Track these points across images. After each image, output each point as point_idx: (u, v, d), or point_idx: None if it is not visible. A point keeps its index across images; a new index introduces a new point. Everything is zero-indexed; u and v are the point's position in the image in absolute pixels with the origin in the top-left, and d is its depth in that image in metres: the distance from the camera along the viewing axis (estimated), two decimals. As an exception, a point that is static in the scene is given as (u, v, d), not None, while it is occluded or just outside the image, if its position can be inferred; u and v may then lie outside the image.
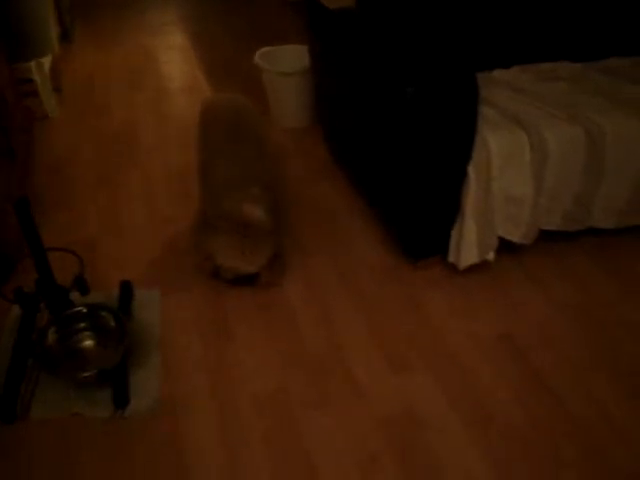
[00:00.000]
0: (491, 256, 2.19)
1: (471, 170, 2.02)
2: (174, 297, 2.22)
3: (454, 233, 2.16)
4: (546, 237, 2.31)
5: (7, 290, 2.09)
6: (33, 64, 3.22)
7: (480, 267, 2.23)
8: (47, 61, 3.37)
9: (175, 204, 2.70)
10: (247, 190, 2.13)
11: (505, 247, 2.26)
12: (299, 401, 1.85)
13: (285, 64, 3.13)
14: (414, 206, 2.15)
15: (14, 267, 2.30)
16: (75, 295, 2.03)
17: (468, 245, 2.12)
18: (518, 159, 2.06)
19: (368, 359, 1.99)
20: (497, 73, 2.51)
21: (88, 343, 1.97)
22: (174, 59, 4.17)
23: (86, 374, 1.84)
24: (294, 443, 1.74)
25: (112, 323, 1.95)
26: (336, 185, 2.79)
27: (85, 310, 1.97)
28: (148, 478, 1.67)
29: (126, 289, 2.18)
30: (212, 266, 2.18)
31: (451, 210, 2.12)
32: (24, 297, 1.99)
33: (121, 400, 1.82)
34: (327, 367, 1.96)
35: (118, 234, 2.53)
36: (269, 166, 2.33)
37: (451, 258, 2.21)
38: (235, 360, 1.99)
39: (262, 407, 1.84)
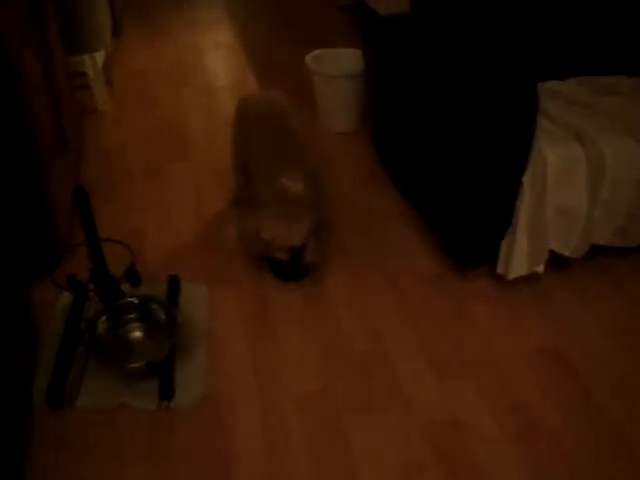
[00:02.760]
0: (541, 269, 2.17)
1: (526, 181, 2.01)
2: (220, 292, 2.23)
3: (505, 243, 2.14)
4: (595, 252, 2.28)
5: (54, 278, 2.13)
6: (87, 58, 3.27)
7: (528, 279, 2.21)
8: (100, 55, 3.42)
9: (222, 199, 2.72)
10: (290, 170, 2.22)
11: (553, 260, 2.23)
12: (343, 404, 1.85)
13: (336, 67, 3.14)
14: (467, 215, 2.14)
15: (61, 256, 2.33)
16: (124, 286, 2.06)
17: (518, 256, 2.10)
18: (574, 172, 2.04)
19: (412, 365, 1.98)
20: (552, 84, 2.48)
21: (137, 334, 1.99)
22: (223, 57, 4.20)
23: (135, 365, 1.86)
24: (337, 446, 1.74)
25: (162, 316, 1.97)
26: (383, 190, 2.78)
27: (136, 301, 2.00)
28: (190, 471, 1.68)
29: (173, 283, 2.20)
30: (261, 246, 2.20)
31: (503, 220, 2.10)
32: (77, 285, 2.01)
33: (167, 392, 1.84)
34: (371, 371, 1.96)
35: (166, 227, 2.56)
36: (306, 156, 2.39)
37: (500, 269, 2.19)
38: (280, 359, 1.99)
39: (306, 408, 1.84)
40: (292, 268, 2.25)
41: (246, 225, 2.26)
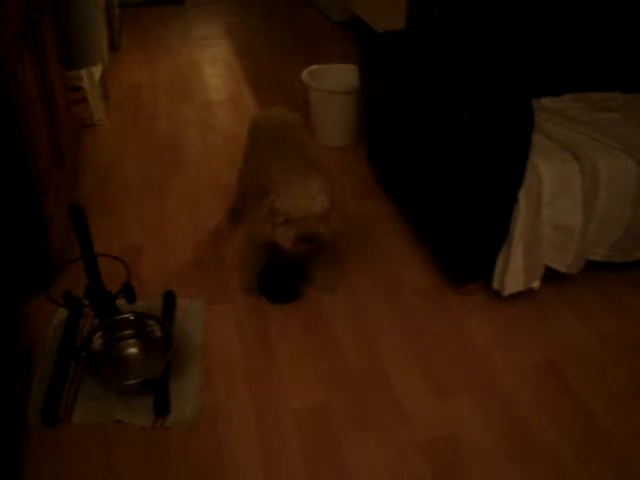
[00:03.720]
0: (537, 284, 2.17)
1: (522, 197, 2.01)
2: (216, 308, 2.23)
3: (500, 259, 2.14)
4: (590, 267, 2.28)
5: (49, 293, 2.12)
6: (84, 72, 3.28)
7: (523, 295, 2.21)
8: (97, 70, 3.43)
9: (219, 214, 2.72)
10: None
11: (548, 275, 2.23)
12: (340, 420, 1.84)
13: (332, 83, 3.16)
14: (462, 231, 2.14)
15: (57, 271, 2.32)
16: (120, 302, 2.06)
17: (514, 272, 2.10)
18: (569, 187, 2.05)
19: (409, 380, 1.97)
20: (547, 100, 2.50)
21: (132, 351, 1.98)
22: (220, 72, 4.23)
23: (130, 382, 1.85)
24: (334, 463, 1.73)
25: (158, 333, 1.96)
26: (379, 204, 2.79)
27: (132, 318, 1.99)
28: (187, 489, 1.67)
29: (169, 298, 2.19)
30: (288, 229, 1.98)
31: (499, 236, 2.11)
32: (72, 301, 2.01)
33: (162, 409, 1.83)
34: (368, 387, 1.95)
35: (162, 242, 2.56)
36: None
37: (495, 284, 2.19)
38: (276, 375, 1.99)
39: (302, 424, 1.83)
40: (309, 242, 1.99)
41: (255, 213, 2.04)
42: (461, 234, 2.16)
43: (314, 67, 3.23)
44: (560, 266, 2.20)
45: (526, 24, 2.44)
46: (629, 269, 2.35)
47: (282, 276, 2.23)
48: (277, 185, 1.97)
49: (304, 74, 3.16)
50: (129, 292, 2.02)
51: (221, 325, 2.17)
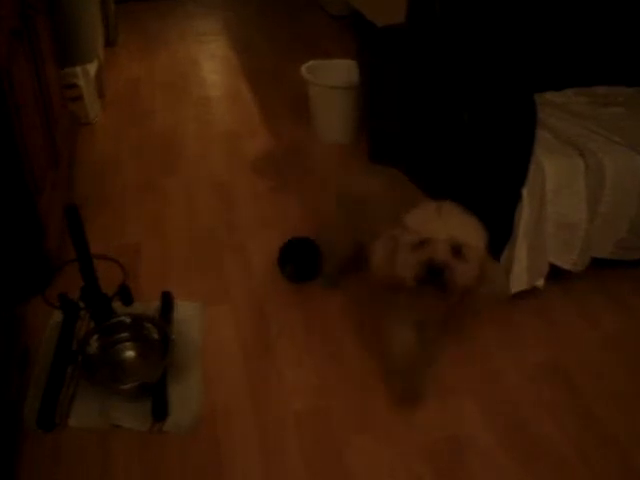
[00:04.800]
0: (541, 282, 2.14)
1: (525, 194, 1.98)
2: (215, 309, 2.19)
3: (504, 258, 2.10)
4: (595, 265, 2.25)
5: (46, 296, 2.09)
6: (79, 69, 3.24)
7: (526, 293, 2.17)
8: (93, 67, 3.39)
9: (218, 214, 2.69)
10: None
11: (553, 273, 2.19)
12: (340, 421, 1.82)
13: (332, 78, 3.12)
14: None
15: (54, 273, 2.29)
16: (117, 304, 2.02)
17: (518, 271, 2.06)
18: (573, 184, 2.01)
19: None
20: (550, 95, 2.46)
21: (129, 354, 1.95)
22: (218, 68, 4.18)
23: (127, 386, 1.82)
24: (335, 464, 1.70)
25: (155, 335, 1.93)
26: (379, 202, 2.75)
27: (128, 320, 1.95)
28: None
29: (167, 300, 2.16)
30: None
31: (502, 234, 2.07)
32: (68, 304, 1.98)
33: (160, 413, 1.80)
34: (369, 387, 1.92)
35: (160, 242, 2.52)
36: None
37: (499, 283, 2.16)
38: (276, 377, 1.96)
39: (303, 427, 1.80)
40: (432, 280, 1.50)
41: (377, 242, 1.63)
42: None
43: (313, 62, 3.19)
44: (565, 263, 2.16)
45: (528, 17, 2.40)
46: (634, 267, 2.32)
47: (301, 252, 2.28)
48: (413, 208, 1.59)
49: (303, 69, 3.12)
50: (125, 294, 1.98)
51: (220, 326, 2.13)
